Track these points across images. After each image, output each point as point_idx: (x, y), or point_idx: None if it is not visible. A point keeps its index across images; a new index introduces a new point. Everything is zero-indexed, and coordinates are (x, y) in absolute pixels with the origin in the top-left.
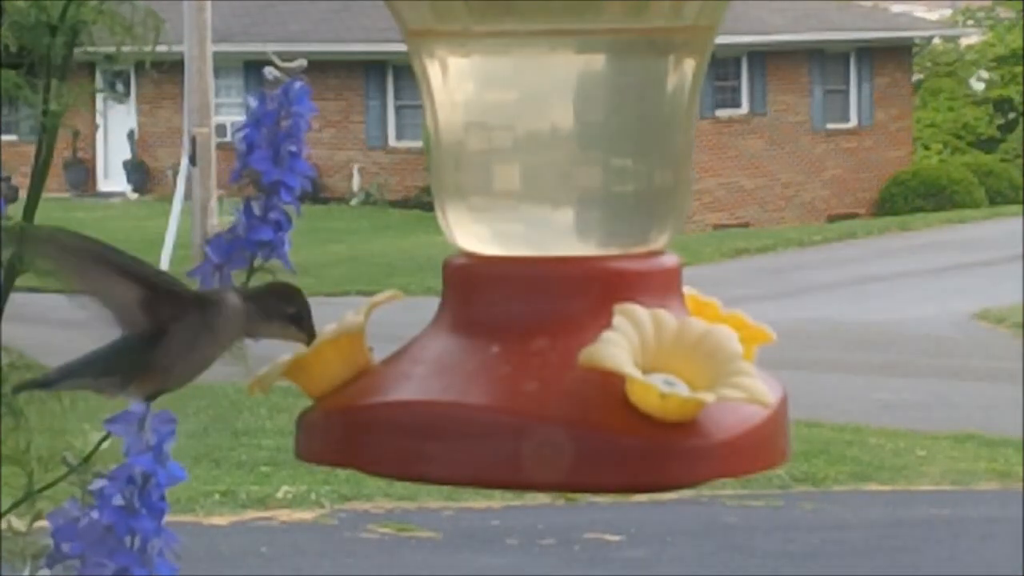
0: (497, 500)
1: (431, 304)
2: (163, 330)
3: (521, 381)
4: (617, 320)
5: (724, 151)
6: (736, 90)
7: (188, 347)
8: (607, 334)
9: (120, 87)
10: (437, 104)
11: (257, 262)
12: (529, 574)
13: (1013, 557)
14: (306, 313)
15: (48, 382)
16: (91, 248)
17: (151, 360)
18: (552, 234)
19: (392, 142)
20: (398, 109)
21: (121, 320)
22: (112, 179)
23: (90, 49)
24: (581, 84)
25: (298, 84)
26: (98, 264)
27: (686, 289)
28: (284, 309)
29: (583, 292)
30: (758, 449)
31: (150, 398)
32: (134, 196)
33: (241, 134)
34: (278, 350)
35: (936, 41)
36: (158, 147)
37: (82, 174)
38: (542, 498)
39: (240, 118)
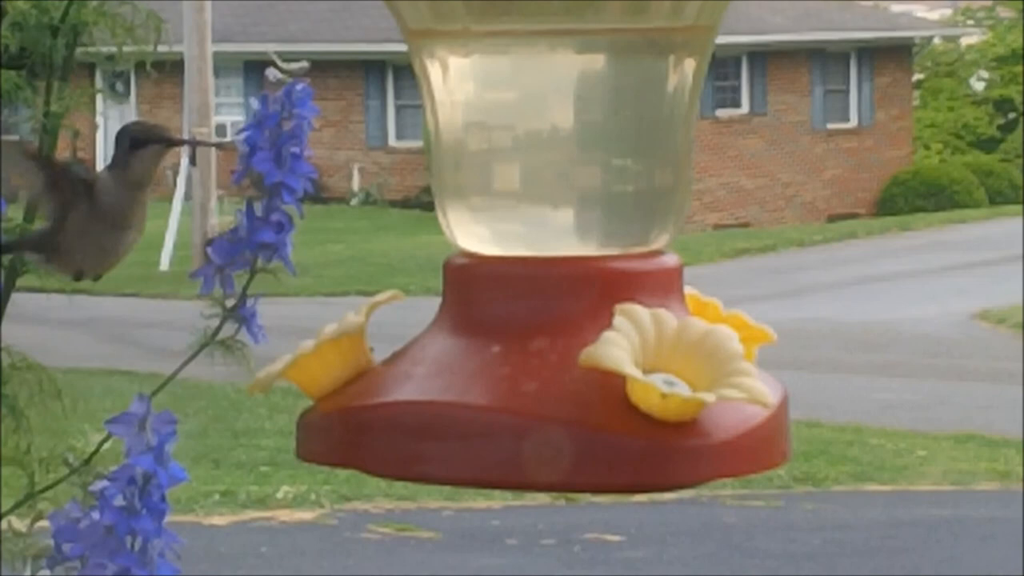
0: (497, 500)
1: (431, 304)
2: (63, 214)
3: (521, 381)
4: (617, 320)
5: (724, 151)
6: (736, 90)
7: (82, 228)
8: (607, 334)
9: (120, 87)
10: (437, 104)
11: (259, 264)
12: (529, 574)
13: (1013, 557)
14: (147, 131)
15: (5, 247)
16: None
17: (58, 240)
18: (552, 234)
19: (392, 142)
20: (398, 109)
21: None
22: None
23: (91, 50)
24: (581, 84)
25: (301, 86)
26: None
27: (687, 289)
28: (125, 145)
29: (583, 292)
30: (759, 449)
31: (75, 278)
32: None
33: (243, 135)
34: (279, 350)
35: (936, 41)
36: None
37: None
38: (542, 498)
39: (240, 118)
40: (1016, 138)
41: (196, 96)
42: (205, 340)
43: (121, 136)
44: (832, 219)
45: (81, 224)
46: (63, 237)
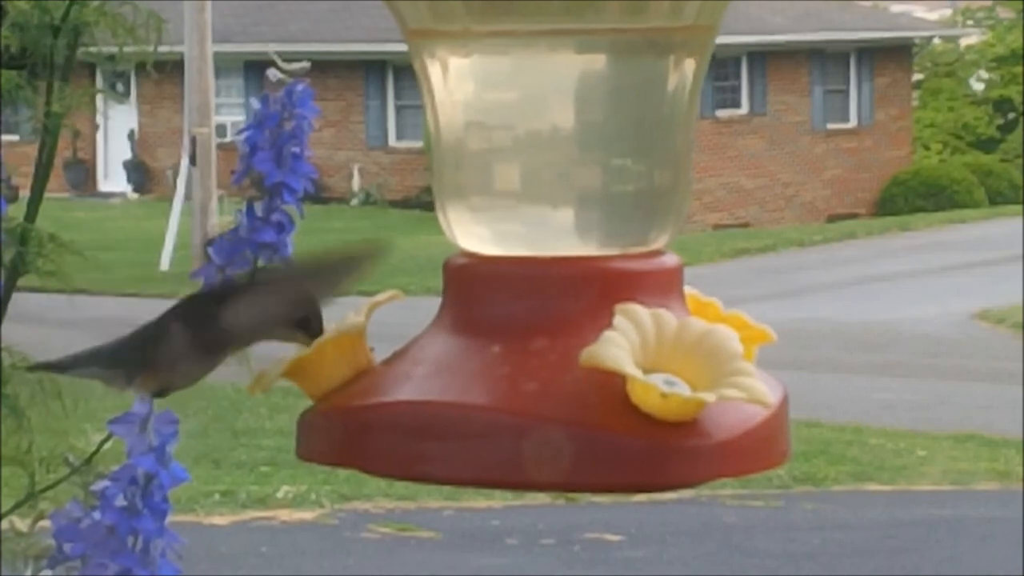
0: (497, 500)
1: (431, 304)
2: (169, 327)
3: (521, 381)
4: (618, 320)
5: (724, 151)
6: (736, 90)
7: (192, 345)
8: (608, 334)
9: (120, 87)
10: (438, 104)
11: (259, 264)
12: (529, 574)
13: (1013, 557)
14: (315, 318)
15: (59, 366)
16: None
17: (155, 356)
18: (552, 234)
19: (392, 142)
20: (398, 109)
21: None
22: (112, 179)
23: (92, 50)
24: (581, 84)
25: (301, 86)
26: None
27: (687, 289)
28: (293, 314)
29: (583, 292)
30: (758, 449)
31: (159, 395)
32: (134, 196)
33: (244, 135)
34: (279, 350)
35: (936, 41)
36: (158, 147)
37: (82, 174)
38: (542, 498)
39: (240, 118)
40: (1016, 138)
41: (196, 96)
42: None
43: (299, 299)
44: (832, 219)
45: (197, 343)
46: (166, 352)
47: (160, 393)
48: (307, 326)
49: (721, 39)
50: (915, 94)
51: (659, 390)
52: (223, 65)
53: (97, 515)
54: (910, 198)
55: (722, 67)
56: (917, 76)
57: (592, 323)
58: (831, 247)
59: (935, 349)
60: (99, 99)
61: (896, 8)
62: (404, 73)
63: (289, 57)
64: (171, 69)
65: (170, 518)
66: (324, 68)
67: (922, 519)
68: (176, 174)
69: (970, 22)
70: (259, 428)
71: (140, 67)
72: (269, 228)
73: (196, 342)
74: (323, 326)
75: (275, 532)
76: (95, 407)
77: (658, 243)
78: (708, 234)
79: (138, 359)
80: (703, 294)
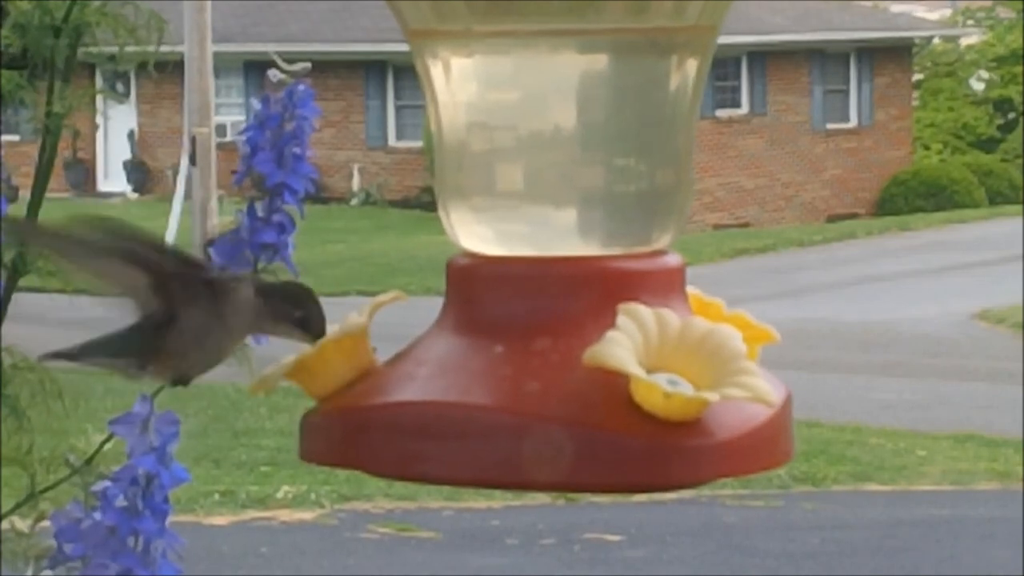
0: (497, 500)
1: (431, 304)
2: (177, 314)
3: (524, 381)
4: (621, 319)
5: (724, 151)
6: (736, 90)
7: (201, 333)
8: (611, 333)
9: (120, 87)
10: (440, 104)
11: (260, 264)
12: (529, 574)
13: (1013, 557)
14: (316, 318)
15: (71, 355)
16: (95, 236)
17: (164, 343)
18: (555, 234)
19: (392, 142)
20: (398, 109)
21: (135, 305)
22: (112, 179)
23: (93, 50)
24: (583, 84)
25: (302, 87)
26: (104, 252)
27: (689, 289)
28: (293, 312)
29: (586, 292)
30: (761, 449)
31: (173, 384)
32: (134, 196)
33: (245, 136)
34: (281, 350)
35: (936, 41)
36: (158, 147)
37: (82, 174)
38: (542, 498)
39: (240, 118)
40: (1016, 138)
41: (196, 96)
42: None
43: (299, 297)
44: (832, 219)
45: (205, 326)
46: (176, 338)
47: (176, 381)
48: (306, 326)
49: (721, 39)
50: (915, 94)
51: (662, 390)
52: (223, 65)
53: (98, 515)
54: (910, 198)
55: (722, 67)
56: (917, 76)
57: (595, 323)
58: (831, 247)
59: (935, 349)
60: (99, 99)
61: (896, 8)
62: (404, 73)
63: (289, 57)
64: (171, 69)
65: (170, 518)
66: (324, 68)
67: (922, 519)
68: (176, 174)
69: (970, 22)
70: (259, 428)
71: (140, 67)
72: (270, 229)
73: (203, 330)
74: (323, 326)
75: (275, 532)
76: (95, 407)
77: (660, 243)
78: (708, 234)
79: (147, 346)
80: (703, 294)
